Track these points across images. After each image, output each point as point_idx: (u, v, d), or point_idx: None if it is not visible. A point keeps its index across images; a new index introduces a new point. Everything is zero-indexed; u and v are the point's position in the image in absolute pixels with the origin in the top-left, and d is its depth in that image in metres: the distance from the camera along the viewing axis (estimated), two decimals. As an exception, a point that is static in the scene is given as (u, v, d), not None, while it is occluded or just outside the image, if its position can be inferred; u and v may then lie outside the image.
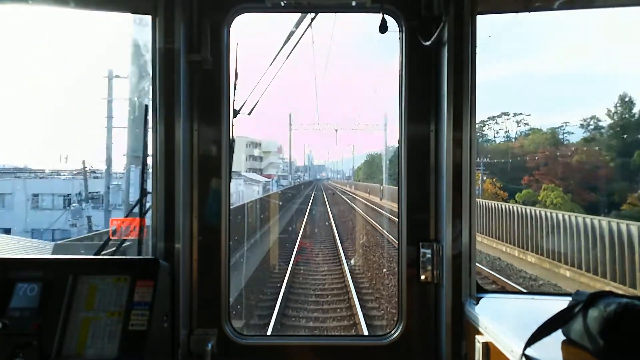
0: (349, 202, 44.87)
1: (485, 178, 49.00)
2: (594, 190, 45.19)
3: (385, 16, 2.70)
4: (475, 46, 2.70)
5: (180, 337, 2.68)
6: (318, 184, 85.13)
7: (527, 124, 70.62)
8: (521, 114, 71.63)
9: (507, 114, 72.17)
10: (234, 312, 10.93)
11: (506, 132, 72.63)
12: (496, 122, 72.40)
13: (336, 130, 48.28)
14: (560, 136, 62.07)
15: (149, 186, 2.76)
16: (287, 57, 3.04)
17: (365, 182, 72.76)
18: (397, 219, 3.05)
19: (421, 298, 2.87)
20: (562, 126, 63.25)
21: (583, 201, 43.05)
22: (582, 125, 57.63)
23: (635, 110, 49.30)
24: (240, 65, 2.90)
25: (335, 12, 3.22)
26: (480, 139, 68.52)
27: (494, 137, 72.14)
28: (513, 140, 68.79)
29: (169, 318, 2.53)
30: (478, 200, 24.32)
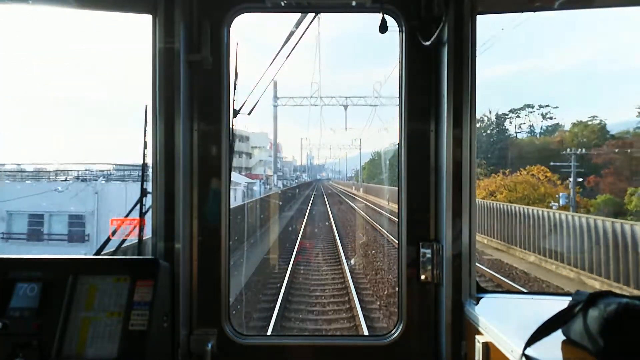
0: (365, 214, 31.90)
1: (580, 179, 36.07)
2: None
3: (385, 16, 2.70)
4: (475, 46, 2.70)
5: (180, 337, 2.68)
6: (318, 185, 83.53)
7: (552, 118, 62.84)
8: (547, 106, 62.69)
9: (530, 106, 63.15)
10: (234, 312, 10.92)
11: (530, 125, 64.17)
12: (518, 116, 63.63)
13: (345, 107, 33.22)
14: (609, 129, 50.40)
15: (149, 186, 2.76)
16: (287, 57, 3.04)
17: (367, 183, 64.03)
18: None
19: (421, 298, 2.87)
20: (589, 120, 53.18)
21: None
22: (640, 114, 46.91)
23: None
24: (241, 64, 2.90)
25: (335, 12, 3.23)
26: (502, 135, 60.95)
27: (516, 132, 63.71)
28: (538, 135, 61.42)
29: (169, 318, 2.53)
30: (590, 218, 17.38)
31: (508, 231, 22.53)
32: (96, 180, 24.15)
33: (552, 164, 39.24)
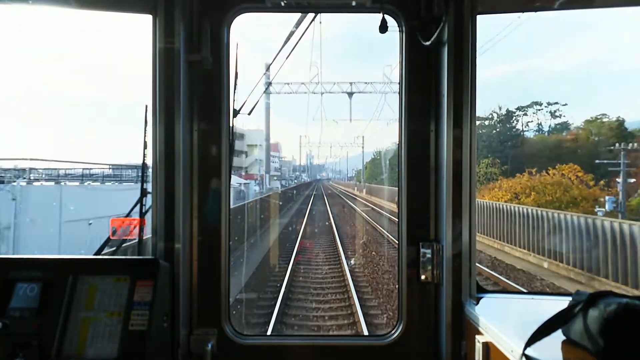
0: (370, 218, 29.23)
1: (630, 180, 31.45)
2: None
3: (385, 16, 2.70)
4: (475, 46, 2.70)
5: (180, 337, 2.68)
6: (318, 185, 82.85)
7: (560, 116, 60.72)
8: (556, 103, 61.11)
9: (538, 103, 61.14)
10: (234, 312, 10.93)
11: (539, 124, 61.85)
12: (525, 113, 61.36)
13: (350, 94, 28.16)
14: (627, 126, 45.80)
15: (149, 186, 2.76)
16: (287, 57, 3.04)
17: (369, 183, 61.96)
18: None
19: (421, 298, 2.87)
20: (600, 116, 50.53)
21: None
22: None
23: None
24: (241, 64, 2.90)
25: (335, 12, 3.23)
26: (517, 131, 58.69)
27: (522, 130, 61.15)
28: (547, 133, 59.22)
29: (169, 318, 2.53)
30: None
31: (587, 254, 16.46)
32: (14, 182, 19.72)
33: (597, 161, 35.34)
